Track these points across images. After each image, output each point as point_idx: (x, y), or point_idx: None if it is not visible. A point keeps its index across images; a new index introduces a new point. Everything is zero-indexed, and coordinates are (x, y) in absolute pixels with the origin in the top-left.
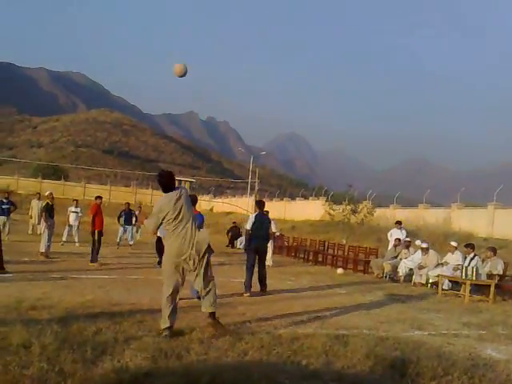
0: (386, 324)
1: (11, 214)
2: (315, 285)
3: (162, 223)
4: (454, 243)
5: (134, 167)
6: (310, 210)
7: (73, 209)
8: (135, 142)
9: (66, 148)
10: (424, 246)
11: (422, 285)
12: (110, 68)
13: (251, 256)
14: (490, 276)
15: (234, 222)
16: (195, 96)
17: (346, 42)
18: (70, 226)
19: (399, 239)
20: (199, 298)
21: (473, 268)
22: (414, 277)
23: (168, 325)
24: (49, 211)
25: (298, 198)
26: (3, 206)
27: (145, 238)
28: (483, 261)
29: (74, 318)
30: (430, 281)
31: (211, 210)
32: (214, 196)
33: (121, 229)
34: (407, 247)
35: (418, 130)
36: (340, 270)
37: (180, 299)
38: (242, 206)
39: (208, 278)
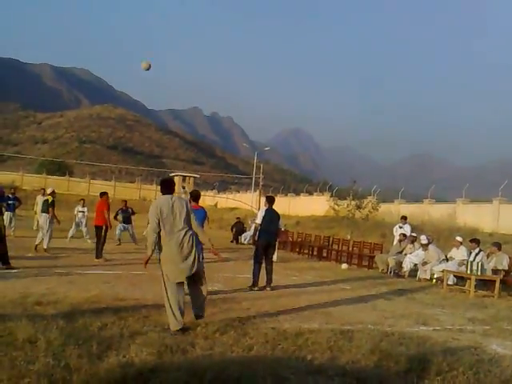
0: (390, 319)
1: (16, 210)
2: (320, 280)
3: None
4: (459, 238)
5: (138, 163)
6: (314, 205)
7: (80, 208)
8: (139, 138)
9: (70, 144)
10: (424, 241)
11: (427, 280)
12: (114, 63)
13: (260, 250)
14: (495, 271)
15: (237, 218)
16: (199, 91)
17: (348, 38)
18: (77, 225)
19: (404, 234)
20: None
21: (478, 263)
22: (418, 272)
23: (180, 326)
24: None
25: (302, 194)
26: (8, 202)
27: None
28: (488, 256)
29: (79, 313)
30: (435, 276)
31: (215, 205)
32: (218, 192)
33: (119, 226)
34: (412, 242)
35: (423, 124)
36: (344, 266)
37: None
38: (246, 202)
39: (200, 287)
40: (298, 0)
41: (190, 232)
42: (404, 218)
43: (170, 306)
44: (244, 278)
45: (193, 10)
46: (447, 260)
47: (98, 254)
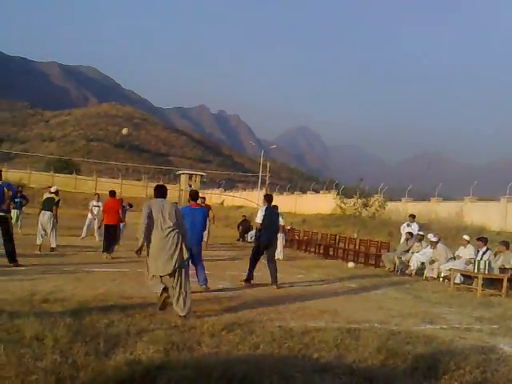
0: (397, 318)
1: (23, 208)
2: (326, 278)
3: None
4: (466, 237)
5: (144, 161)
6: (320, 203)
7: (94, 203)
8: (146, 136)
9: (77, 142)
10: (433, 239)
11: (434, 279)
12: (121, 62)
13: (259, 248)
14: (502, 270)
15: (243, 216)
16: (206, 90)
17: (356, 35)
18: (90, 220)
19: (411, 233)
20: (206, 285)
21: (485, 262)
22: (425, 271)
23: (162, 287)
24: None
25: (308, 192)
26: (16, 200)
27: None
28: (496, 255)
29: (86, 310)
30: (442, 275)
31: (222, 203)
32: (225, 190)
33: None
34: (420, 241)
35: (431, 123)
36: (351, 264)
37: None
38: (253, 200)
39: (185, 287)
40: None
41: (176, 233)
42: (412, 216)
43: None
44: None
45: (199, 7)
46: (455, 258)
47: (109, 249)
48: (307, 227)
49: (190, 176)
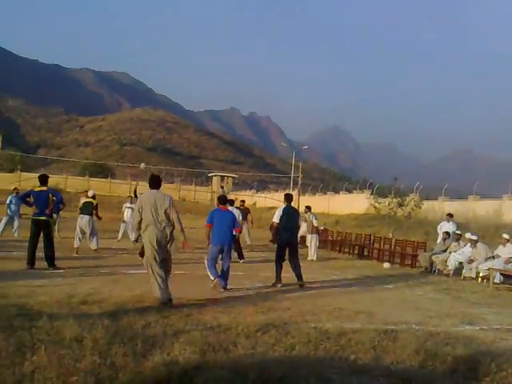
0: (435, 319)
1: (60, 212)
2: (361, 279)
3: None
4: (505, 235)
5: (177, 164)
6: (354, 203)
7: (128, 205)
8: (178, 139)
9: (111, 146)
10: (473, 237)
11: (472, 278)
12: (154, 67)
13: (280, 249)
14: None
15: None
16: (237, 92)
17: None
18: (125, 223)
19: (448, 232)
20: (225, 286)
21: None
22: (463, 270)
23: (167, 298)
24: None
25: (341, 192)
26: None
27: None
28: None
29: (123, 312)
30: (481, 274)
31: (254, 204)
32: (257, 191)
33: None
34: (457, 240)
35: (466, 120)
36: (386, 265)
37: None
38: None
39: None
40: None
41: (166, 224)
42: (450, 215)
43: (156, 280)
44: (284, 278)
45: (232, 11)
46: (493, 258)
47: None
48: (340, 228)
49: (222, 178)
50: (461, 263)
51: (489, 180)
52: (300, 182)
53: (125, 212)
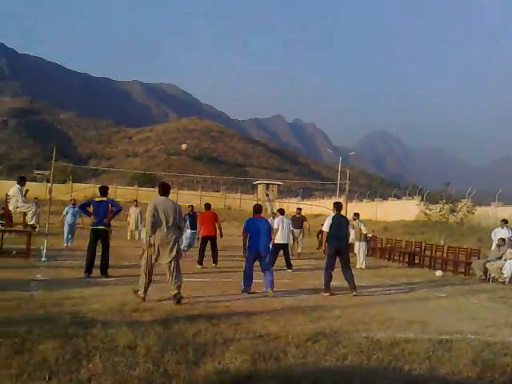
0: (492, 328)
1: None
2: (413, 287)
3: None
4: None
5: (222, 172)
6: (403, 209)
7: None
8: (223, 148)
9: (158, 156)
10: None
11: None
12: (200, 78)
13: (330, 257)
14: None
15: (322, 225)
16: (281, 99)
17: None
18: None
19: (503, 239)
20: (272, 289)
21: None
22: None
23: (143, 296)
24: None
25: (390, 198)
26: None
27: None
28: None
29: (173, 319)
30: None
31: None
32: (303, 198)
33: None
34: None
35: None
36: (439, 272)
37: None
38: (331, 208)
39: (176, 272)
40: None
41: (175, 229)
42: (504, 221)
43: (145, 278)
44: (333, 286)
45: (276, 19)
46: None
47: (201, 261)
48: (389, 235)
49: (267, 186)
50: None
51: None
52: (348, 189)
53: None
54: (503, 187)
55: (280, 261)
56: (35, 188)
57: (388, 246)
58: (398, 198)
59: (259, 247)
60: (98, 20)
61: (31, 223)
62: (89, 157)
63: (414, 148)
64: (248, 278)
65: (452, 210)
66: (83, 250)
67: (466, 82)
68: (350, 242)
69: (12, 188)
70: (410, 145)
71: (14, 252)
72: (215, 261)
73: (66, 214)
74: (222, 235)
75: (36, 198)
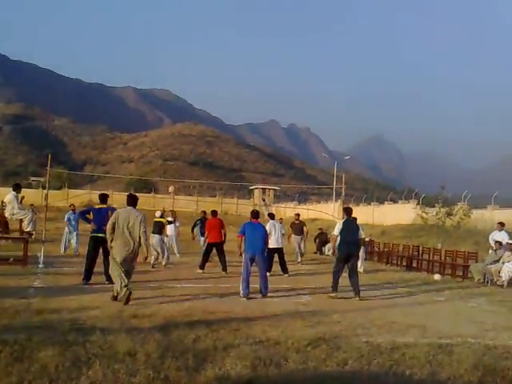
0: (492, 332)
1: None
2: (411, 291)
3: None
4: None
5: (218, 177)
6: (400, 213)
7: (169, 219)
8: (219, 153)
9: (154, 162)
10: None
11: None
12: (193, 83)
13: (339, 262)
14: None
15: (320, 229)
16: (276, 104)
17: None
18: (168, 237)
19: (500, 242)
20: (265, 294)
21: None
22: None
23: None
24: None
25: (386, 202)
26: None
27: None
28: None
29: (173, 325)
30: None
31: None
32: (299, 203)
33: (198, 238)
34: (510, 250)
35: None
36: (437, 276)
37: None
38: (328, 212)
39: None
40: None
41: (135, 240)
42: (501, 224)
43: (116, 277)
44: (330, 291)
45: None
46: None
47: (203, 266)
48: (387, 239)
49: (264, 190)
50: None
51: None
52: (344, 193)
53: (167, 228)
54: (499, 190)
55: (276, 266)
56: (31, 195)
57: (385, 249)
58: (394, 201)
59: (255, 250)
60: (91, 26)
61: (28, 230)
62: (84, 163)
63: (409, 153)
64: (246, 282)
65: (448, 214)
66: (79, 257)
67: (461, 86)
68: None
69: (8, 195)
70: (406, 149)
71: (11, 259)
72: (225, 268)
73: (68, 220)
74: (224, 241)
75: (32, 205)
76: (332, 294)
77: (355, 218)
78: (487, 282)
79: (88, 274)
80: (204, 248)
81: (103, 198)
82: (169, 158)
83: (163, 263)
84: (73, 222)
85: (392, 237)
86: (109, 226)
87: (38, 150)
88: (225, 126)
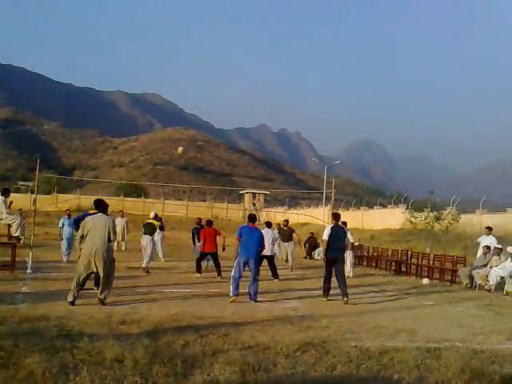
0: (479, 336)
1: None
2: (400, 296)
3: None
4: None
5: (209, 182)
6: (389, 218)
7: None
8: (209, 158)
9: (144, 166)
10: None
11: None
12: (184, 87)
13: (328, 265)
14: None
15: (311, 233)
16: (266, 109)
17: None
18: (153, 241)
19: (488, 246)
20: (255, 300)
21: None
22: (506, 285)
23: (71, 299)
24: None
25: (375, 207)
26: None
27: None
28: None
29: (161, 331)
30: None
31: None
32: (289, 207)
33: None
34: (498, 254)
35: (503, 129)
36: (426, 280)
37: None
38: (318, 217)
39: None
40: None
41: (105, 242)
42: (489, 228)
43: (74, 284)
44: (319, 295)
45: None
46: None
47: (200, 270)
48: (376, 243)
49: (254, 195)
50: (502, 278)
51: None
52: (333, 198)
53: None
54: (487, 195)
55: (264, 271)
56: (19, 199)
57: (375, 254)
58: (384, 206)
59: (249, 255)
60: (81, 30)
61: (16, 235)
62: (74, 167)
63: (398, 157)
64: (236, 283)
65: (437, 218)
66: (68, 262)
67: (449, 91)
68: None
69: None
70: (395, 153)
71: None
72: (219, 273)
73: (63, 226)
74: (224, 248)
75: (20, 210)
76: (323, 299)
77: (345, 223)
78: (475, 286)
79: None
80: (197, 256)
81: (98, 204)
82: (159, 163)
83: (143, 265)
84: (68, 229)
85: (381, 241)
86: (79, 234)
87: (27, 154)
88: (215, 130)
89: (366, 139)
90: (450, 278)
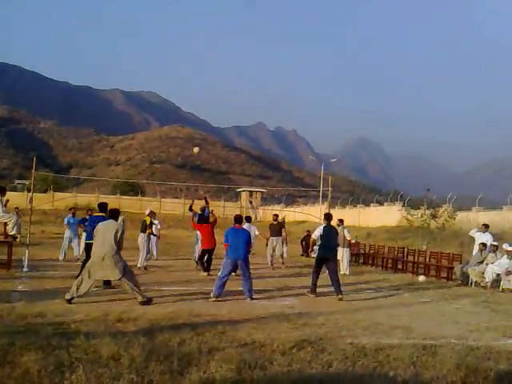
0: (475, 333)
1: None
2: (396, 293)
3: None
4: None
5: (205, 180)
6: (385, 215)
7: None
8: (206, 156)
9: (141, 165)
10: (509, 248)
11: (511, 291)
12: (181, 85)
13: (317, 263)
14: None
15: (307, 231)
16: (263, 107)
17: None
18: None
19: (484, 244)
20: (251, 297)
21: None
22: (501, 282)
23: (69, 297)
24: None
25: (372, 204)
26: (85, 224)
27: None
28: None
29: (158, 329)
30: None
31: (283, 219)
32: (286, 205)
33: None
34: (494, 251)
35: (499, 127)
36: (422, 278)
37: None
38: (315, 215)
39: (133, 283)
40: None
41: (113, 247)
42: (485, 225)
43: (77, 287)
44: (318, 292)
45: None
46: None
47: (204, 269)
48: (372, 240)
49: (251, 193)
50: (498, 275)
51: None
52: (330, 196)
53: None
54: (483, 192)
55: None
56: (16, 198)
57: (371, 251)
58: (380, 204)
59: (236, 256)
60: (77, 29)
61: (12, 233)
62: (70, 166)
63: (395, 155)
64: (221, 282)
65: (433, 216)
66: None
67: (447, 89)
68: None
69: None
70: (392, 151)
71: None
72: (208, 270)
73: (68, 223)
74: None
75: (17, 208)
76: (310, 295)
77: (342, 220)
78: (471, 283)
79: None
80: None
81: (102, 207)
82: (156, 161)
83: (138, 265)
84: (73, 227)
85: (377, 239)
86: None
87: (23, 152)
88: (212, 128)
89: (363, 137)
90: (446, 275)
